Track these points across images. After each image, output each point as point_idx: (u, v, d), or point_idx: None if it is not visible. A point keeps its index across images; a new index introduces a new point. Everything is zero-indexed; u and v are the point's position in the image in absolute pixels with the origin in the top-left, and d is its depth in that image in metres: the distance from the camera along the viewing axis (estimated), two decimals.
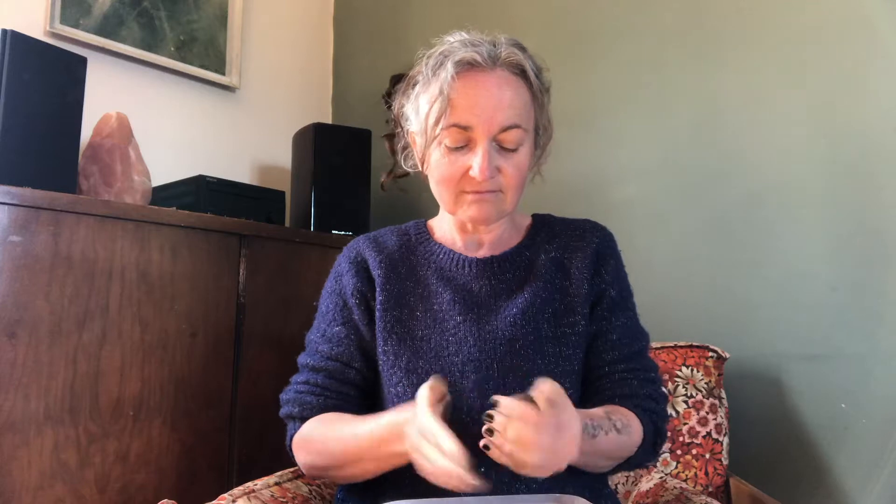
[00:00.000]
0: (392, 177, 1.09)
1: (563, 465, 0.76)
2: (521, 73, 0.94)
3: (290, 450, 1.00)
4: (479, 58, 0.91)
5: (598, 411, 0.90)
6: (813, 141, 1.42)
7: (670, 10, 1.64)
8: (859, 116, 1.37)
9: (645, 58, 1.67)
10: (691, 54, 1.60)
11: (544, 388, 0.77)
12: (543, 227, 1.06)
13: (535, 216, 1.09)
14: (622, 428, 0.89)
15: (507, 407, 0.75)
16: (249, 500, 1.00)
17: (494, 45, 0.94)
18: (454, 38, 0.96)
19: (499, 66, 0.93)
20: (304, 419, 0.97)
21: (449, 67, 0.91)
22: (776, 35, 1.48)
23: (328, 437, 0.93)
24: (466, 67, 0.92)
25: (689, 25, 1.61)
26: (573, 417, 0.77)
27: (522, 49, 0.96)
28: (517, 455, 0.74)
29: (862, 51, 1.37)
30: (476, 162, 0.91)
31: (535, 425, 0.73)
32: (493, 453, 0.76)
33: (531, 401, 0.76)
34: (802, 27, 1.45)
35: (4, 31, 1.27)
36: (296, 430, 0.98)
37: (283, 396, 1.01)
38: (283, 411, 1.00)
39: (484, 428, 0.76)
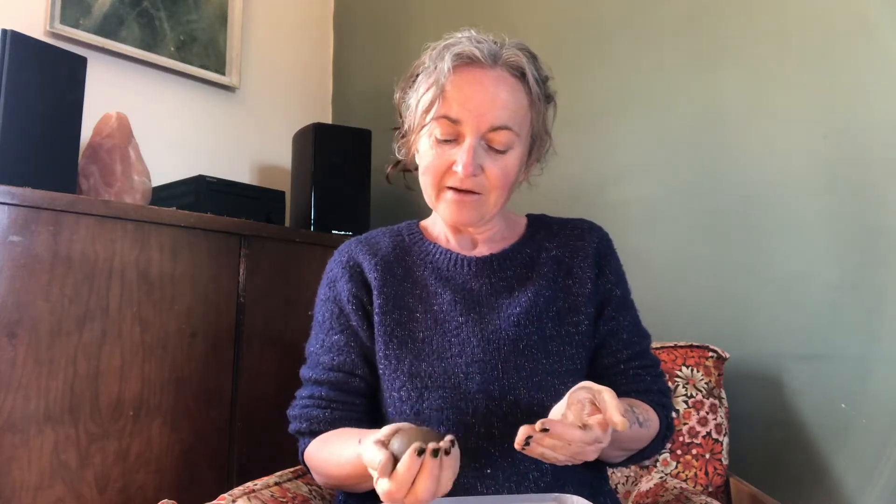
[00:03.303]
0: (398, 169, 1.07)
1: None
2: (521, 76, 0.93)
3: (303, 465, 1.00)
4: (478, 53, 0.91)
5: (623, 404, 0.89)
6: (813, 141, 1.42)
7: (670, 11, 1.64)
8: (859, 116, 1.37)
9: (645, 58, 1.67)
10: (691, 54, 1.60)
11: (611, 404, 0.73)
12: (541, 226, 1.06)
13: (529, 216, 1.09)
14: (644, 422, 0.90)
15: (558, 433, 0.72)
16: (249, 500, 1.00)
17: (499, 45, 0.93)
18: (461, 34, 0.95)
19: (499, 66, 0.92)
20: (313, 433, 0.96)
21: (447, 59, 0.91)
22: (776, 35, 1.48)
23: (328, 459, 0.92)
24: (466, 62, 0.91)
25: (689, 25, 1.61)
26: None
27: (528, 54, 0.95)
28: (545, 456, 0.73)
29: (862, 51, 1.37)
30: (460, 157, 0.90)
31: (582, 441, 0.72)
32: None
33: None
34: (802, 27, 1.45)
35: (4, 31, 1.27)
36: (306, 446, 0.97)
37: (290, 412, 1.00)
38: (291, 427, 0.99)
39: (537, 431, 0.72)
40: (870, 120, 1.36)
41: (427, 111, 0.92)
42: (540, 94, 0.96)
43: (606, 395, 0.75)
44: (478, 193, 0.93)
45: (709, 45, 1.58)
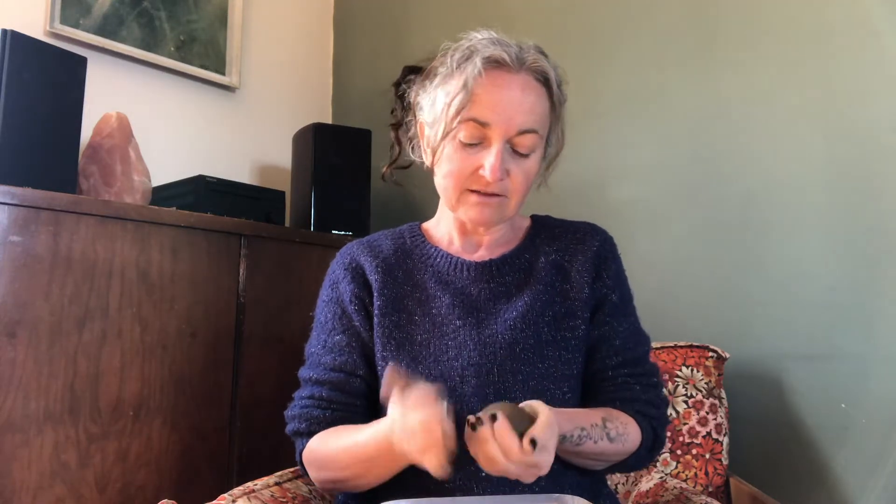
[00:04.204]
0: (393, 167, 1.07)
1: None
2: (545, 80, 0.94)
3: (301, 466, 0.98)
4: (507, 57, 0.91)
5: (595, 417, 0.90)
6: (813, 141, 1.42)
7: (670, 10, 1.64)
8: (859, 116, 1.37)
9: (645, 58, 1.67)
10: (691, 54, 1.60)
11: (540, 424, 0.76)
12: (543, 230, 1.06)
13: (533, 217, 1.09)
14: (616, 437, 0.89)
15: (497, 430, 0.74)
16: (249, 500, 1.00)
17: (521, 49, 0.93)
18: (481, 35, 0.95)
19: (524, 70, 0.92)
20: (311, 434, 0.95)
21: (477, 62, 0.90)
22: (776, 35, 1.48)
23: (335, 452, 0.92)
24: (494, 65, 0.91)
25: (689, 25, 1.61)
26: (549, 460, 0.77)
27: (546, 57, 0.95)
28: (481, 463, 0.75)
29: (862, 51, 1.37)
30: (488, 161, 0.90)
31: (510, 460, 0.74)
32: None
33: (522, 416, 0.77)
34: (803, 27, 1.45)
35: (4, 31, 1.27)
36: (304, 446, 0.96)
37: (289, 413, 0.99)
38: (289, 428, 0.98)
39: (468, 424, 0.75)
40: (870, 120, 1.36)
41: (456, 115, 0.91)
42: (561, 98, 0.96)
43: (542, 415, 0.77)
44: (501, 196, 0.93)
45: (709, 45, 1.58)
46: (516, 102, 0.91)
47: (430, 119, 0.97)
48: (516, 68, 0.92)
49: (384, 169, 1.08)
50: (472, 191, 0.93)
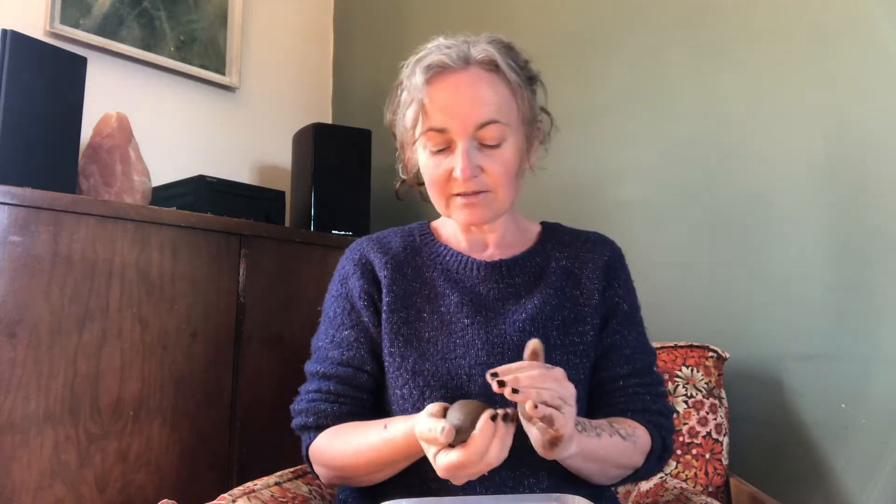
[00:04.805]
0: (405, 186, 1.08)
1: (571, 415, 0.76)
2: (496, 68, 0.94)
3: (307, 460, 0.98)
4: (447, 59, 0.92)
5: (600, 420, 0.91)
6: (813, 141, 1.42)
7: (670, 11, 1.64)
8: (859, 116, 1.37)
9: (645, 58, 1.67)
10: (691, 54, 1.60)
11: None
12: (553, 235, 1.06)
13: (544, 224, 1.09)
14: (626, 436, 0.90)
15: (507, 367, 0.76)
16: (249, 500, 1.00)
17: (469, 45, 0.94)
18: (431, 44, 0.96)
19: (472, 65, 0.93)
20: (319, 428, 0.96)
21: (418, 73, 0.92)
22: (776, 35, 1.48)
23: (344, 449, 0.92)
24: (437, 70, 0.92)
25: (689, 25, 1.61)
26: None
27: (500, 45, 0.95)
28: (535, 386, 0.73)
29: (862, 51, 1.37)
30: (456, 163, 0.92)
31: (540, 367, 0.76)
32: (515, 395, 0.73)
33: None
34: (803, 27, 1.45)
35: (4, 31, 1.27)
36: (311, 441, 0.96)
37: (295, 407, 0.99)
38: (296, 422, 0.98)
39: (496, 379, 0.74)
40: (870, 120, 1.36)
41: (413, 128, 0.94)
42: (519, 80, 0.95)
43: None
44: (484, 192, 0.94)
45: (709, 46, 1.58)
46: (466, 100, 0.91)
47: (401, 138, 1.00)
48: (462, 66, 0.92)
49: (397, 186, 1.09)
50: (456, 194, 0.94)
